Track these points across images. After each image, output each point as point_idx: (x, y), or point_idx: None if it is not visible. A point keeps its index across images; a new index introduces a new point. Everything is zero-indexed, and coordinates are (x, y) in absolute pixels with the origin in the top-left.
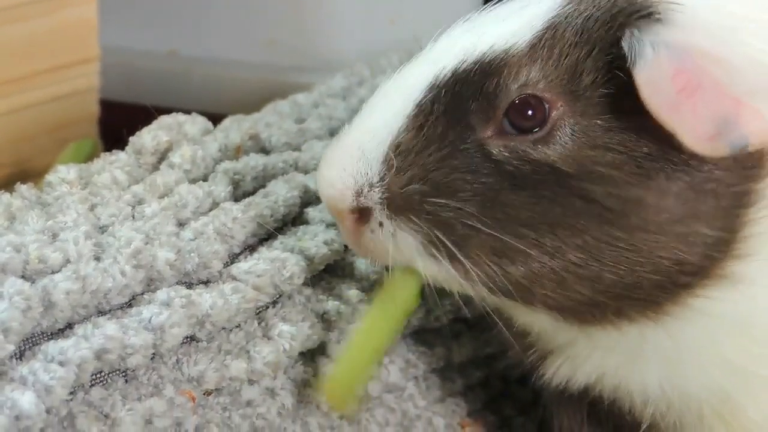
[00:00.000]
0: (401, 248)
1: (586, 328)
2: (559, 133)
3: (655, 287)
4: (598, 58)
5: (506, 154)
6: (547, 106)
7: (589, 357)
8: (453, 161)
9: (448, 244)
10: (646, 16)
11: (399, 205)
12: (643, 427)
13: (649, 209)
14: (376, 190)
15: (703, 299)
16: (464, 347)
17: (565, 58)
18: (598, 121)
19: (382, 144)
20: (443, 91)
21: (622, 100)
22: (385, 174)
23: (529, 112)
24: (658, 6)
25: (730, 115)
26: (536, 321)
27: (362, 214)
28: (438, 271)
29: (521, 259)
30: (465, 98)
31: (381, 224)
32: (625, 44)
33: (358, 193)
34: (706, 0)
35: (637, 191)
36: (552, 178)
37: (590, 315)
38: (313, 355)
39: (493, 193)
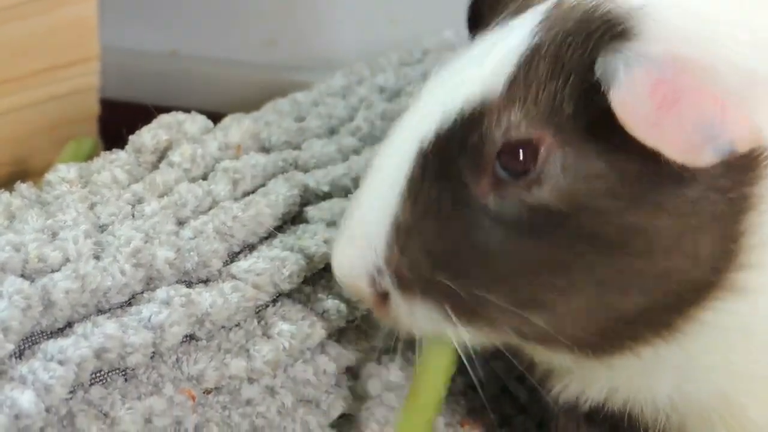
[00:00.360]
0: (421, 323)
1: (604, 358)
2: (550, 168)
3: (668, 306)
4: (575, 85)
5: (502, 204)
6: (534, 144)
7: (600, 378)
8: (452, 227)
9: (457, 315)
10: (619, 34)
11: (408, 285)
12: None
13: (647, 231)
14: (386, 273)
15: (713, 312)
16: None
17: (543, 91)
18: (586, 150)
19: (383, 226)
20: (429, 156)
21: (606, 125)
22: (390, 256)
23: (520, 154)
24: (630, 21)
25: (716, 120)
26: (554, 357)
27: (383, 295)
28: (460, 337)
29: (537, 308)
30: (453, 158)
31: (398, 304)
32: (597, 71)
33: (372, 280)
34: (682, 8)
35: (633, 216)
36: (550, 220)
37: (610, 346)
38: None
39: (496, 248)
